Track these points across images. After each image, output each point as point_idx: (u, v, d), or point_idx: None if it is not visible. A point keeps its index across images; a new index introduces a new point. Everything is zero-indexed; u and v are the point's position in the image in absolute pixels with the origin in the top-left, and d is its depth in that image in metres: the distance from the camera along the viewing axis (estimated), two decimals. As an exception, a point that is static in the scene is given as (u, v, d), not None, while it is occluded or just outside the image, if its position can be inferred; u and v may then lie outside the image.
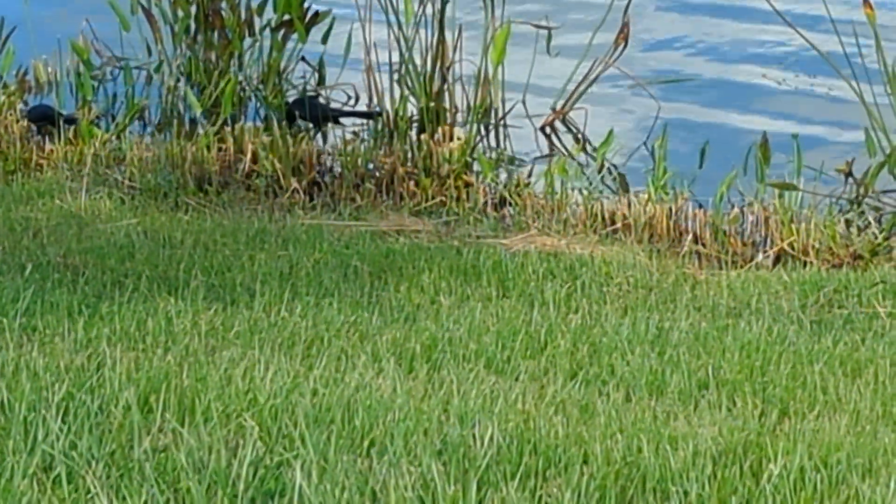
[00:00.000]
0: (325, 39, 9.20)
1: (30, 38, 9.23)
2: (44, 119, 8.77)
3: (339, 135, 9.04)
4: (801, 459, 4.13)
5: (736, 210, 8.10)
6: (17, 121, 8.79)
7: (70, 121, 8.91)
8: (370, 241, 7.45)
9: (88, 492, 3.58)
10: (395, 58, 9.29)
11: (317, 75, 9.54)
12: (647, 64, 10.25)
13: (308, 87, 9.50)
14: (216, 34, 9.02)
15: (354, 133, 8.99)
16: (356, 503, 3.73)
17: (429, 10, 8.96)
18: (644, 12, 10.85)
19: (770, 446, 4.26)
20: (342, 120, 9.40)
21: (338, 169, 8.44)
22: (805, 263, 7.77)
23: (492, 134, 9.06)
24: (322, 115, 9.10)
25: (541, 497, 3.98)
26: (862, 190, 8.47)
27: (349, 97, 9.51)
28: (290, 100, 9.22)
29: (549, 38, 9.08)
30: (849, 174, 8.39)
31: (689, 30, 11.03)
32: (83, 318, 5.54)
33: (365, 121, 9.15)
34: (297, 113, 9.15)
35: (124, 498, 3.63)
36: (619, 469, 4.14)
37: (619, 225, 7.77)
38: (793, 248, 7.92)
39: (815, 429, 4.77)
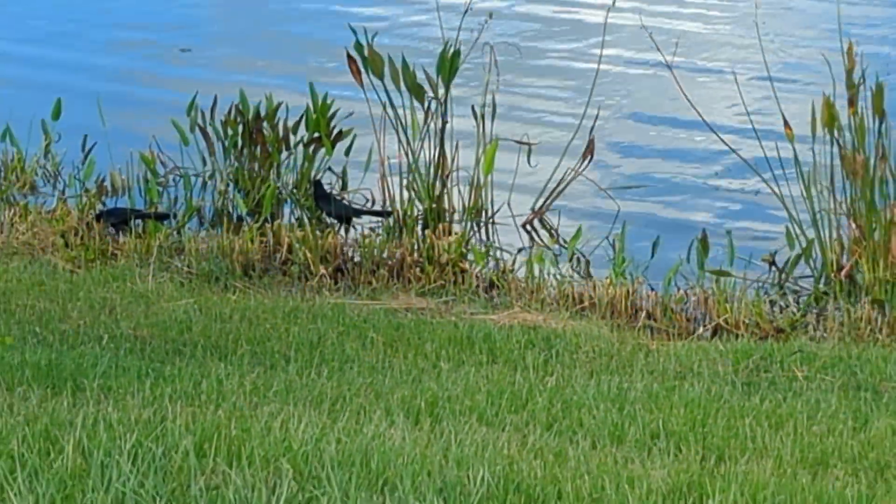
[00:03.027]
0: (347, 152, 9.23)
1: (107, 151, 9.24)
2: (117, 219, 8.77)
3: (358, 230, 9.07)
4: (735, 497, 4.19)
5: (681, 292, 8.12)
6: (97, 219, 8.80)
7: (145, 217, 8.95)
8: (384, 317, 7.50)
9: (154, 523, 3.67)
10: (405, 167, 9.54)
11: (341, 181, 9.56)
12: (613, 169, 10.15)
13: (334, 191, 9.45)
14: (259, 148, 9.07)
15: (371, 229, 9.00)
16: (373, 532, 3.78)
17: (432, 126, 8.97)
18: (612, 125, 10.82)
19: (709, 486, 4.30)
20: (361, 217, 9.49)
21: (357, 258, 8.51)
22: (737, 336, 7.81)
23: (483, 230, 9.09)
24: (345, 213, 9.08)
25: (523, 527, 4.15)
26: (783, 276, 8.47)
27: (367, 199, 9.49)
28: (318, 187, 9.13)
29: (530, 151, 9.14)
30: (772, 263, 8.44)
31: (647, 139, 10.95)
32: (150, 380, 5.65)
33: (380, 218, 9.15)
34: (322, 201, 9.09)
35: (183, 528, 3.70)
36: (587, 504, 4.37)
37: (586, 304, 7.81)
38: (727, 323, 7.94)
39: (746, 471, 4.76)
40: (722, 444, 5.17)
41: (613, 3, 10.34)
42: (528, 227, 9.18)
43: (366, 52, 8.76)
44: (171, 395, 5.33)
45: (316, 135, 9.00)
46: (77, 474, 3.92)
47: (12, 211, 8.78)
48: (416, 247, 8.45)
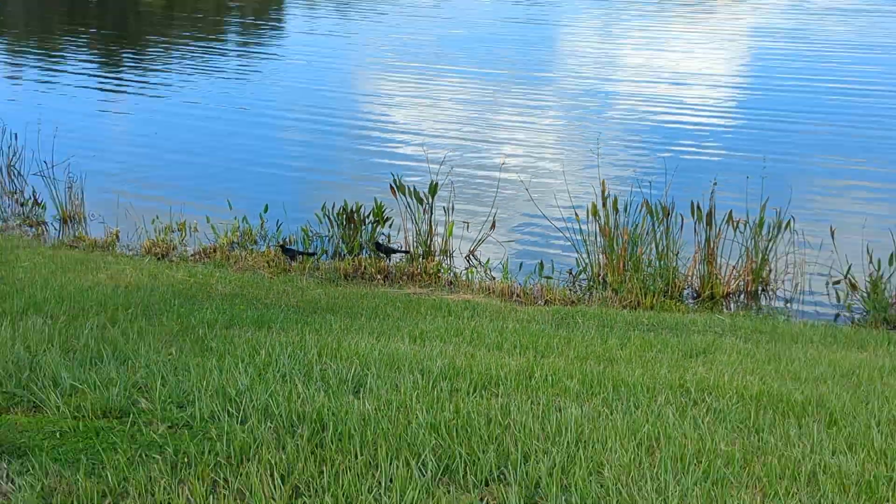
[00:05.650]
0: (389, 225, 11.57)
1: (287, 222, 11.86)
2: (289, 254, 10.98)
3: (394, 259, 11.21)
4: (545, 372, 4.98)
5: (532, 284, 9.88)
6: (282, 252, 10.83)
7: (303, 254, 10.92)
8: (404, 297, 9.13)
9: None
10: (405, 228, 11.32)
11: (388, 238, 11.64)
12: (511, 227, 12.21)
13: (383, 241, 11.46)
14: (352, 224, 11.39)
15: (400, 258, 11.20)
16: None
17: (425, 215, 11.14)
18: (512, 208, 12.97)
19: (536, 367, 5.06)
20: (395, 253, 11.19)
21: (393, 271, 10.70)
22: (555, 303, 9.17)
23: (448, 259, 11.47)
24: (388, 250, 11.10)
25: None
26: (575, 278, 10.39)
27: (400, 246, 11.43)
28: (376, 242, 11.07)
29: (467, 225, 11.84)
30: (570, 272, 10.13)
31: (527, 213, 12.65)
32: (301, 324, 6.58)
33: (403, 254, 11.19)
34: (378, 248, 11.00)
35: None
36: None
37: (491, 291, 10.03)
38: (551, 297, 9.56)
39: (553, 362, 5.36)
40: (545, 350, 6.10)
41: (503, 163, 13.20)
42: (469, 257, 11.54)
43: (397, 183, 11.29)
44: (309, 330, 6.28)
45: (376, 219, 11.38)
46: (265, 363, 4.89)
47: (246, 252, 11.16)
48: (419, 266, 10.68)
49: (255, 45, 27.19)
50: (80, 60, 24.29)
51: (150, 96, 19.95)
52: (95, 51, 26.18)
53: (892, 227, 10.36)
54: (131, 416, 4.05)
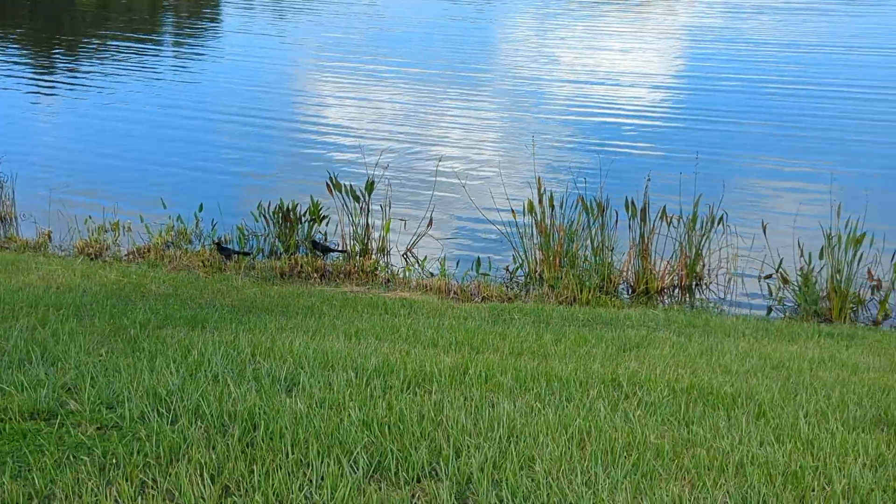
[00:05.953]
0: (326, 224, 11.77)
1: (221, 220, 11.98)
2: (224, 253, 11.18)
3: (331, 258, 11.41)
4: (479, 368, 5.09)
5: (469, 282, 10.11)
6: (218, 251, 11.02)
7: (239, 253, 11.09)
8: (340, 295, 9.24)
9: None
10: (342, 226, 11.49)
11: (325, 236, 11.84)
12: (448, 226, 12.46)
13: (319, 239, 11.65)
14: (288, 223, 11.57)
15: (337, 257, 11.43)
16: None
17: (362, 213, 11.35)
18: (449, 209, 13.20)
19: (471, 364, 5.17)
20: (333, 252, 11.34)
21: (331, 269, 10.90)
22: (491, 299, 9.29)
23: (385, 257, 11.69)
24: (325, 249, 11.38)
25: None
26: (511, 275, 10.63)
27: (336, 244, 11.72)
28: (313, 241, 11.28)
29: (404, 223, 12.06)
30: (507, 269, 10.39)
31: (465, 214, 12.89)
32: (235, 323, 6.64)
33: (341, 253, 11.48)
34: (315, 246, 11.19)
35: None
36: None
37: (429, 288, 10.22)
38: (489, 294, 9.72)
39: (487, 357, 5.60)
40: (480, 346, 6.28)
41: (439, 161, 13.24)
42: (406, 255, 11.78)
43: (333, 181, 11.55)
44: (243, 329, 6.35)
45: (312, 217, 11.65)
46: (197, 363, 4.92)
47: (181, 251, 11.37)
48: (356, 265, 10.97)
49: (190, 45, 27.51)
50: (11, 60, 24.55)
51: (82, 97, 20.15)
52: (27, 50, 26.74)
53: (823, 222, 10.55)
54: (59, 417, 4.05)
